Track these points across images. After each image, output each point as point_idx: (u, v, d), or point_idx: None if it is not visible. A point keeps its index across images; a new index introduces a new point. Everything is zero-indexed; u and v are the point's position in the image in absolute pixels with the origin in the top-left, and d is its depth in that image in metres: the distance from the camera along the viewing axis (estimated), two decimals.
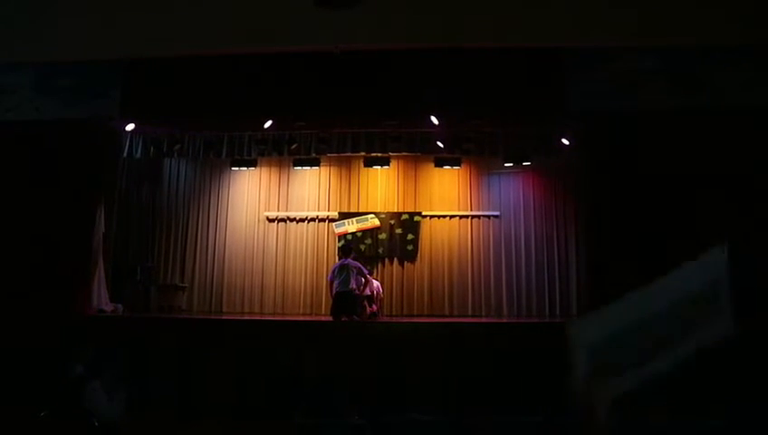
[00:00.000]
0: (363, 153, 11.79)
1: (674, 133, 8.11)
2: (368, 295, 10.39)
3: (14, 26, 7.42)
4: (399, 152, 11.69)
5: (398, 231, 12.71)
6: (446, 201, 12.94)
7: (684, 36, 7.20)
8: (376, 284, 11.04)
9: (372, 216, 12.78)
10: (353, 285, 9.49)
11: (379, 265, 12.58)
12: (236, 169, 12.71)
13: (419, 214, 12.81)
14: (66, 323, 8.23)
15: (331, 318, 9.69)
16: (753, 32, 6.97)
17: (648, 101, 7.99)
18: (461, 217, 12.85)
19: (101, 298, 10.49)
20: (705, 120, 7.95)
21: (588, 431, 2.45)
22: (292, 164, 12.61)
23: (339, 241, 12.47)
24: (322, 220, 13.04)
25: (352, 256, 10.02)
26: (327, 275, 10.57)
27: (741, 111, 7.77)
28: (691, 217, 7.96)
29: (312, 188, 13.20)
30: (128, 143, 11.27)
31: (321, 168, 12.84)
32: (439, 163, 12.22)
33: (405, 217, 12.78)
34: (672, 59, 7.77)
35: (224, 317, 11.28)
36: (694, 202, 8.06)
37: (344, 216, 12.88)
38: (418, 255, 12.71)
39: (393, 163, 12.57)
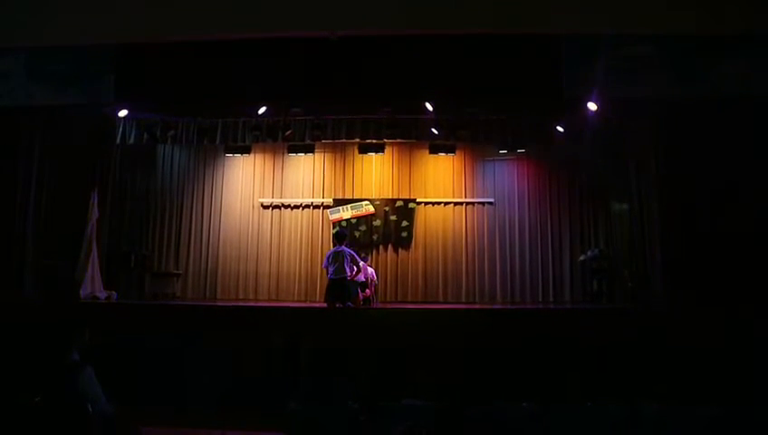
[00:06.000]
0: (358, 140, 11.82)
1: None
2: (361, 281, 10.39)
3: (7, 10, 7.34)
4: (394, 139, 11.70)
5: (393, 218, 12.72)
6: (441, 188, 12.95)
7: (683, 24, 7.18)
8: (370, 271, 11.04)
9: (367, 202, 12.79)
10: (347, 271, 9.49)
11: (374, 252, 12.58)
12: (231, 155, 12.74)
13: (414, 201, 12.82)
14: None
15: (325, 304, 9.70)
16: (754, 20, 6.96)
17: (646, 90, 7.99)
18: (455, 203, 12.87)
19: (96, 285, 10.50)
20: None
21: None
22: (286, 150, 12.63)
23: (333, 228, 12.45)
24: (317, 207, 13.04)
25: (345, 242, 10.02)
26: (321, 263, 10.57)
27: (740, 100, 7.79)
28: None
29: (306, 175, 13.17)
30: (121, 129, 11.21)
31: (316, 154, 12.88)
32: (434, 150, 12.27)
33: (399, 203, 12.79)
34: (670, 47, 7.75)
35: (218, 304, 11.29)
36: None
37: (339, 202, 12.89)
38: (413, 241, 12.74)
39: (388, 150, 12.60)
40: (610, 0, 7.05)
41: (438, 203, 12.91)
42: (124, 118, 10.94)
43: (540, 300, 12.17)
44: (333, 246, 10.06)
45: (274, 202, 13.08)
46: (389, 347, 7.65)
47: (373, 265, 11.79)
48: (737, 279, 8.03)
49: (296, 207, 13.08)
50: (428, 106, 10.12)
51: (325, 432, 5.15)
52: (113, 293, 10.59)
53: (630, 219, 10.57)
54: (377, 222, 12.73)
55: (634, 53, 7.87)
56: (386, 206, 12.79)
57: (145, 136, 11.31)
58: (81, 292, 10.02)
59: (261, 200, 13.08)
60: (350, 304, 9.37)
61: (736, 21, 6.94)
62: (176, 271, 12.54)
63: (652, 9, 6.99)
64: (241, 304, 11.48)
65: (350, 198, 12.92)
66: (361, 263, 10.12)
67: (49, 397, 4.77)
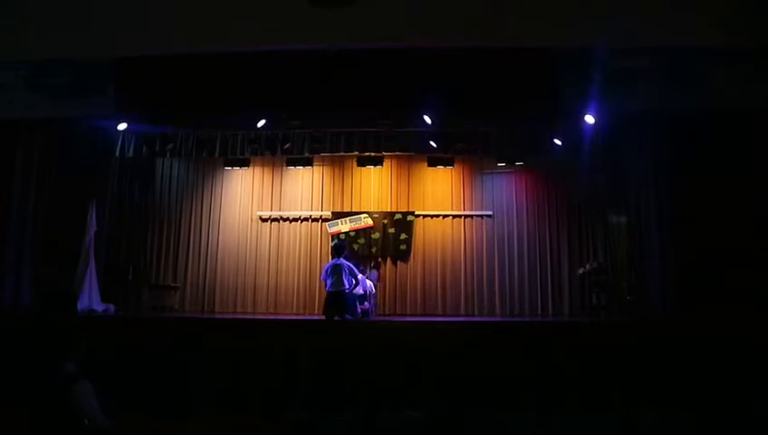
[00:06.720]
0: (356, 153, 11.83)
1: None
2: (360, 294, 10.37)
3: (6, 22, 7.37)
4: (393, 152, 11.74)
5: (392, 231, 12.71)
6: (439, 201, 12.96)
7: (680, 37, 7.22)
8: (369, 283, 11.02)
9: (365, 215, 12.78)
10: (346, 284, 9.48)
11: (372, 265, 12.55)
12: (229, 168, 12.73)
13: (412, 213, 12.82)
14: None
15: (323, 317, 9.66)
16: (751, 32, 7.01)
17: (644, 103, 8.02)
18: (454, 216, 12.88)
19: (93, 299, 10.43)
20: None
21: None
22: (285, 163, 12.61)
23: (332, 240, 12.43)
24: (316, 220, 13.03)
25: (344, 255, 10.01)
26: (320, 275, 10.55)
27: (739, 113, 7.83)
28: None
29: (305, 188, 13.18)
30: (120, 142, 11.24)
31: (315, 167, 12.87)
32: (432, 163, 12.28)
33: (398, 216, 12.79)
34: (668, 59, 7.79)
35: (217, 317, 11.23)
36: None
37: (337, 215, 12.88)
38: (411, 254, 12.73)
39: (386, 163, 12.61)
40: (608, 14, 7.08)
41: (437, 216, 12.91)
42: (123, 131, 10.96)
43: (539, 313, 12.13)
44: (332, 259, 10.05)
45: (273, 215, 13.07)
46: (388, 359, 7.62)
47: (372, 278, 11.75)
48: (737, 292, 8.02)
49: (295, 220, 13.07)
50: (427, 119, 10.15)
51: None
52: (110, 306, 10.53)
53: (629, 232, 10.58)
54: (375, 235, 12.72)
55: (632, 67, 7.91)
56: (384, 219, 12.79)
57: (144, 149, 11.34)
58: (79, 305, 9.96)
59: (259, 213, 13.07)
60: (348, 316, 9.34)
61: (735, 34, 6.99)
62: (174, 284, 12.48)
63: (652, 23, 7.03)
64: (239, 316, 11.43)
65: (349, 210, 12.93)
66: (360, 275, 10.10)
67: (42, 409, 4.73)
